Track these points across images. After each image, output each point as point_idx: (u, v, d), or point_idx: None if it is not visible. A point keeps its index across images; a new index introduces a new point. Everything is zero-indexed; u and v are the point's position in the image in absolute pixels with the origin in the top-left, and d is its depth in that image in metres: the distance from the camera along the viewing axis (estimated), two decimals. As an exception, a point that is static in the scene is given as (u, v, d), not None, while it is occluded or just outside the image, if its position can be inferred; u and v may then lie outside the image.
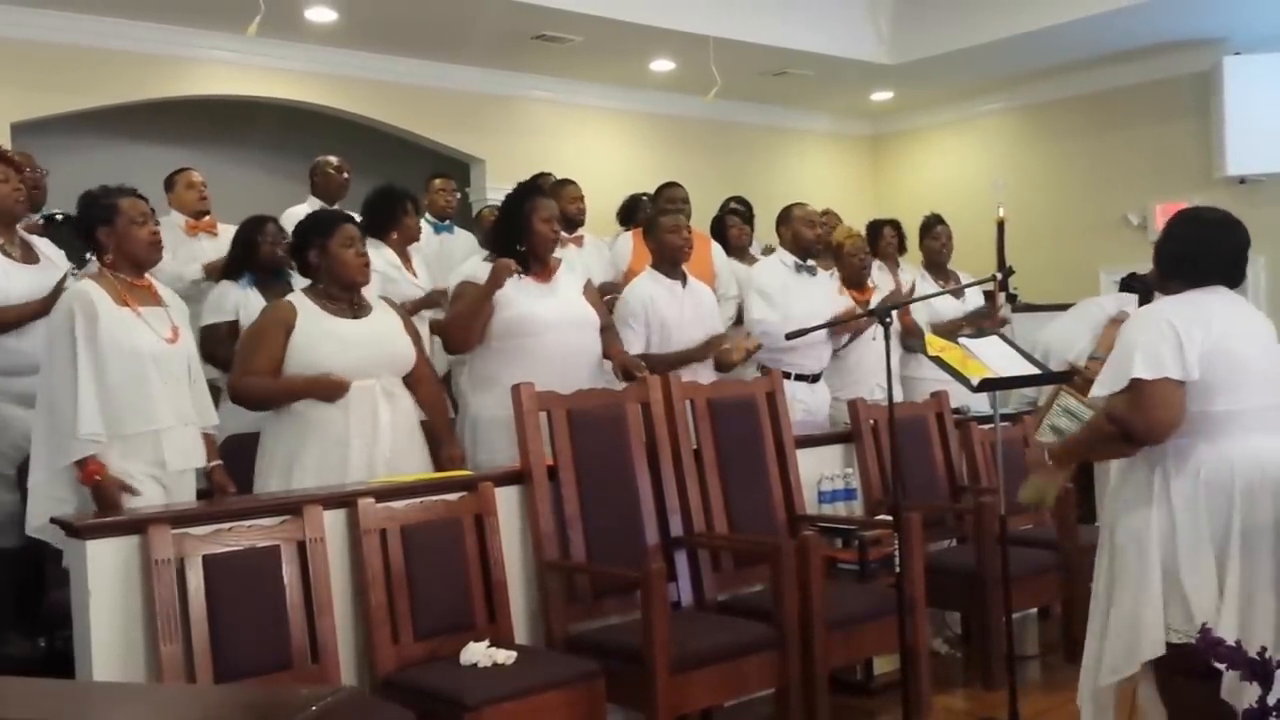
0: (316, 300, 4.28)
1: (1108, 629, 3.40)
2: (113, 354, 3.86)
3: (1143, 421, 3.24)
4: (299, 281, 5.23)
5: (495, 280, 4.58)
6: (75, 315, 3.85)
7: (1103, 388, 3.33)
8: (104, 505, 3.76)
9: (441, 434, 4.53)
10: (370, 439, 4.21)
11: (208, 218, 6.26)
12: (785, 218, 6.19)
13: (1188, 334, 3.24)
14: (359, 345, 4.24)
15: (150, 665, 3.42)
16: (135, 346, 3.91)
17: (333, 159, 6.64)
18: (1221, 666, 2.54)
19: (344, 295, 4.32)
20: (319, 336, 4.19)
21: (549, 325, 4.62)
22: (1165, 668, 3.30)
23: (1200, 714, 3.21)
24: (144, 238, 4.06)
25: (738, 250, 6.88)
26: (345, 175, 6.62)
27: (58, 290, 4.45)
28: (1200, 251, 3.42)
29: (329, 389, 4.15)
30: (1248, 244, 3.47)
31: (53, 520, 3.65)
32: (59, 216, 5.73)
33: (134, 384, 3.90)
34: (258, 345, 4.22)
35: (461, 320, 4.68)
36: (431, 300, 5.70)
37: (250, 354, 4.23)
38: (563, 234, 5.76)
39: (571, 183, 6.64)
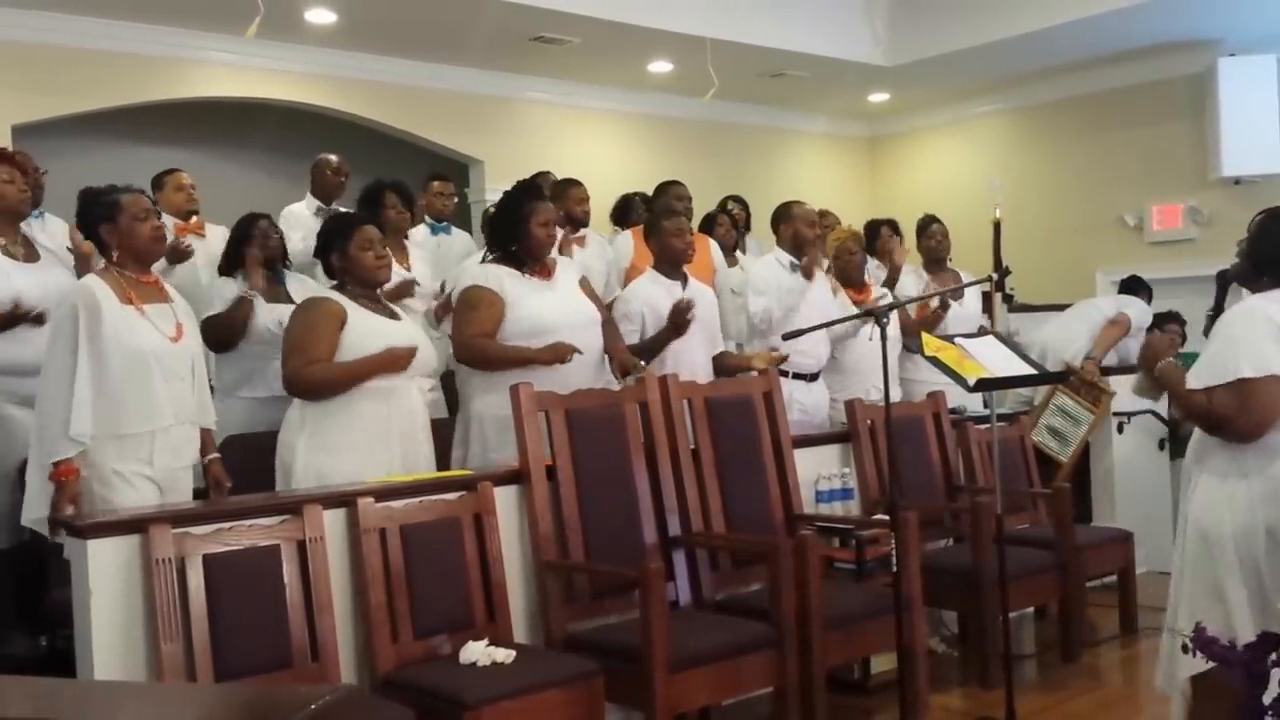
0: (350, 298, 4.32)
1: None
2: (115, 352, 3.87)
3: (1248, 420, 3.29)
4: (292, 277, 5.32)
5: (549, 356, 4.54)
6: (79, 312, 3.85)
7: (1198, 381, 3.35)
8: (56, 506, 3.78)
9: None
10: (410, 437, 4.31)
11: (195, 219, 6.27)
12: (785, 216, 6.10)
13: None
14: (407, 344, 4.32)
15: (151, 664, 3.43)
16: (137, 345, 3.92)
17: (333, 158, 6.67)
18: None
19: (367, 295, 4.37)
20: (372, 333, 4.24)
21: (557, 326, 4.62)
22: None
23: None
24: (147, 233, 4.07)
25: (724, 251, 6.89)
26: (343, 177, 6.64)
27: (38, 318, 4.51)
28: None
29: (396, 360, 4.22)
30: None
31: (53, 519, 3.67)
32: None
33: (135, 382, 3.91)
34: (315, 335, 4.21)
35: (494, 360, 4.61)
36: (403, 290, 5.63)
37: (308, 344, 4.20)
38: (567, 233, 5.77)
39: (578, 184, 6.61)
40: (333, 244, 4.38)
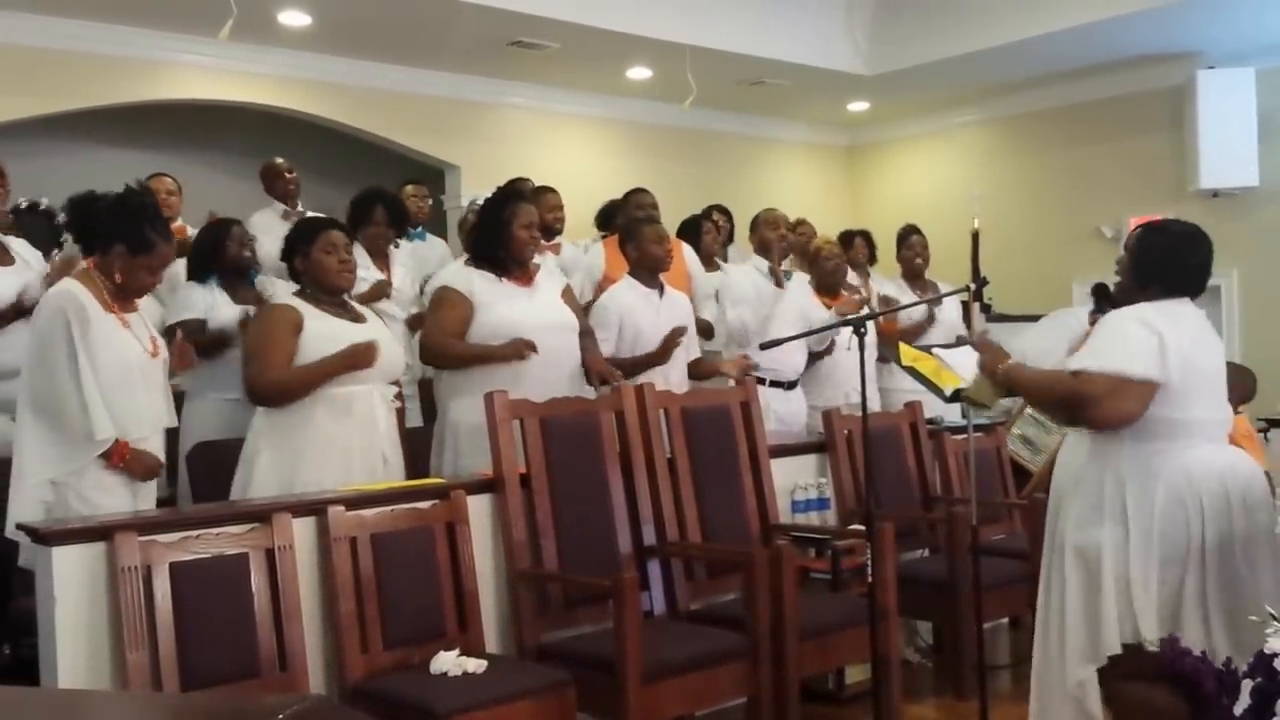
0: (312, 303, 4.28)
1: (1065, 636, 3.45)
2: (103, 360, 3.80)
3: (1110, 412, 3.33)
4: (266, 283, 5.28)
5: (508, 352, 4.54)
6: (69, 317, 3.77)
7: (1081, 363, 3.37)
8: (144, 477, 3.90)
9: None
10: (370, 444, 4.25)
11: (177, 224, 6.22)
12: (753, 224, 6.32)
13: (1169, 338, 3.31)
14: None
15: (116, 672, 3.39)
16: (124, 355, 3.87)
17: (279, 160, 6.65)
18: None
19: (331, 299, 4.33)
20: (328, 337, 4.20)
21: (530, 331, 4.59)
22: (1112, 673, 3.35)
23: (1146, 715, 3.25)
24: (148, 283, 4.03)
25: (705, 258, 6.86)
26: (292, 175, 6.62)
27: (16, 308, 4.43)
28: (1172, 263, 3.50)
29: (357, 356, 4.18)
30: (1212, 257, 3.54)
31: (19, 526, 3.60)
32: (23, 204, 5.69)
33: (121, 392, 3.85)
34: (273, 343, 4.17)
35: (453, 357, 4.63)
36: (377, 291, 5.61)
37: (267, 352, 4.17)
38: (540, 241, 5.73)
39: (551, 191, 6.60)
40: (297, 247, 4.35)
